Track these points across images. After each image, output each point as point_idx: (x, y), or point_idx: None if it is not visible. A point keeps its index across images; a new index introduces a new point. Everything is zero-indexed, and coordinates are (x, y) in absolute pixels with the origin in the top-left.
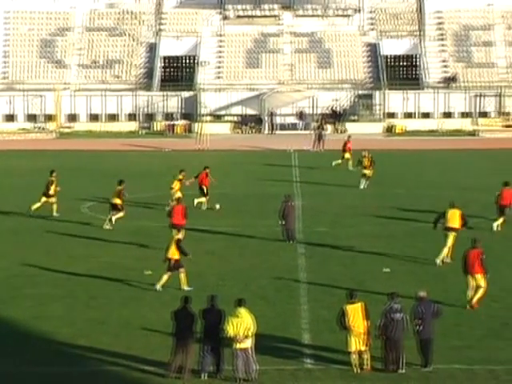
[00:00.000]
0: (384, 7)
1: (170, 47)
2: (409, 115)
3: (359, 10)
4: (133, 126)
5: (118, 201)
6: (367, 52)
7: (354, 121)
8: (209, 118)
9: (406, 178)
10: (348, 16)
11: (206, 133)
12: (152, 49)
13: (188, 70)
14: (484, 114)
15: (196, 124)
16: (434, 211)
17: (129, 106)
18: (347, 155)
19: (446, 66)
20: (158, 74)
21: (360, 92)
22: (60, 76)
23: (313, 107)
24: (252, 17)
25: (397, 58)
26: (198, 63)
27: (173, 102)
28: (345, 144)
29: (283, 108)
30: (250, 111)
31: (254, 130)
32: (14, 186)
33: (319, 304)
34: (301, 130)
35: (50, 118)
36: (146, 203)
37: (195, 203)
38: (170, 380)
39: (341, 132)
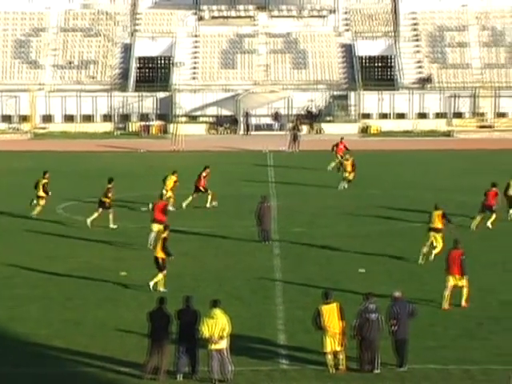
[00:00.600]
0: (359, 8)
1: (145, 48)
2: (384, 116)
3: (334, 11)
4: (108, 126)
5: (106, 199)
6: (342, 53)
7: (329, 121)
8: (184, 119)
9: (382, 179)
10: (323, 17)
11: (181, 133)
12: (127, 49)
13: (163, 70)
14: (459, 115)
15: (171, 125)
16: (410, 212)
17: (104, 106)
18: (338, 157)
19: (420, 67)
20: (133, 74)
21: (335, 93)
22: (35, 77)
23: (288, 108)
24: (227, 17)
25: (372, 58)
26: (173, 64)
27: (148, 102)
28: (337, 145)
29: (258, 109)
30: (226, 112)
31: (229, 131)
32: None
33: (294, 304)
34: (276, 130)
35: (24, 118)
36: (122, 204)
37: (208, 204)
38: (146, 381)
39: (317, 132)
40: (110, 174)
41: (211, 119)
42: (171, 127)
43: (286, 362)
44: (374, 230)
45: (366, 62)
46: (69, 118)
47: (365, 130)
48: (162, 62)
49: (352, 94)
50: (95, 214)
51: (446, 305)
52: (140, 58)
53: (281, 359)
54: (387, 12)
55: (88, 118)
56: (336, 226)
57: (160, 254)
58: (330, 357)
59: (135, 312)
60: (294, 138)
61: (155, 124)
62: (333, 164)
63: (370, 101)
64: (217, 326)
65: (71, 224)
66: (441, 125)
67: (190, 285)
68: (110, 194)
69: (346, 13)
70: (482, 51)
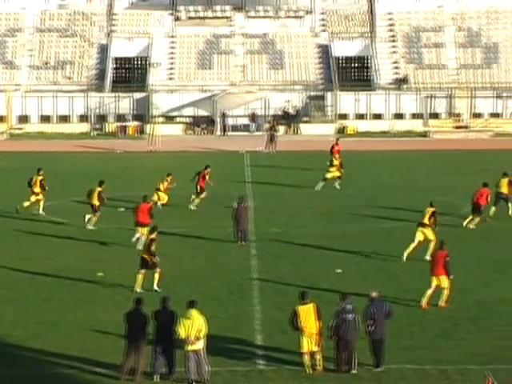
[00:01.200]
0: (335, 9)
1: (122, 48)
2: (360, 116)
3: (311, 12)
4: (84, 127)
5: (96, 201)
6: (319, 53)
7: (305, 122)
8: (161, 120)
9: (358, 179)
10: (300, 17)
11: (157, 134)
12: (103, 50)
13: (140, 71)
14: (435, 115)
15: (148, 125)
16: (387, 212)
17: (80, 107)
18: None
19: (397, 68)
20: (109, 75)
21: (312, 93)
22: (11, 77)
23: (265, 108)
24: (204, 18)
25: (348, 59)
26: (149, 64)
27: (124, 103)
28: (332, 147)
29: (235, 109)
30: (202, 112)
31: (206, 132)
32: None
33: (271, 305)
34: (252, 132)
35: (0, 119)
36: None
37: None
38: (123, 382)
39: (294, 133)
40: (87, 174)
41: (188, 120)
42: (148, 128)
43: (262, 363)
44: (351, 231)
45: (342, 63)
46: (45, 119)
47: (341, 131)
48: (139, 62)
49: (329, 95)
50: (93, 218)
51: (424, 303)
52: (116, 59)
53: (258, 359)
54: (363, 13)
55: (64, 119)
56: (313, 227)
57: (147, 255)
58: (306, 357)
59: (112, 313)
60: (271, 139)
61: (132, 124)
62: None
63: (346, 101)
64: (193, 327)
65: (45, 225)
66: (417, 125)
67: (167, 285)
68: (98, 197)
69: (322, 13)
70: (457, 52)
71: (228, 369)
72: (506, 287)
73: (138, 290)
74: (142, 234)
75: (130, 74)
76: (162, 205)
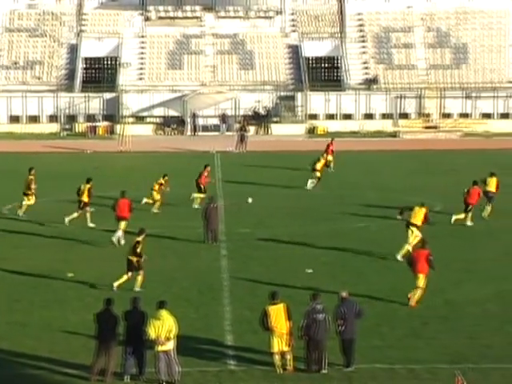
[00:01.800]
0: (305, 9)
1: (92, 48)
2: (330, 116)
3: (281, 12)
4: (54, 127)
5: (85, 198)
6: (289, 54)
7: (276, 122)
8: (131, 120)
9: (328, 179)
10: (270, 18)
11: (128, 134)
12: (73, 50)
13: (110, 71)
14: (405, 116)
15: (118, 125)
16: (356, 212)
17: (50, 107)
18: (329, 157)
19: (366, 68)
20: (79, 75)
21: (282, 93)
22: None
23: (235, 109)
24: (174, 18)
25: (318, 59)
26: (119, 64)
27: (94, 103)
28: (327, 146)
29: (206, 109)
30: (173, 113)
31: (176, 132)
32: None
33: (242, 305)
34: (222, 133)
35: None
36: (69, 205)
37: (192, 197)
38: (93, 383)
39: (264, 133)
40: (57, 175)
41: (158, 120)
42: (118, 128)
43: (233, 363)
44: (321, 231)
45: (312, 63)
46: (14, 119)
47: (312, 131)
48: (109, 62)
49: (299, 95)
50: (88, 216)
51: (411, 304)
52: (86, 59)
53: (228, 360)
54: (333, 13)
55: (34, 119)
56: (283, 227)
57: (133, 257)
58: (277, 357)
59: (82, 313)
60: (241, 139)
61: (102, 125)
62: (332, 165)
63: (316, 101)
64: (163, 328)
65: (17, 225)
66: (387, 125)
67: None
68: (88, 194)
69: (292, 14)
70: (427, 52)
71: (198, 369)
72: (476, 287)
73: (114, 287)
74: (120, 228)
75: (100, 74)
76: (152, 203)
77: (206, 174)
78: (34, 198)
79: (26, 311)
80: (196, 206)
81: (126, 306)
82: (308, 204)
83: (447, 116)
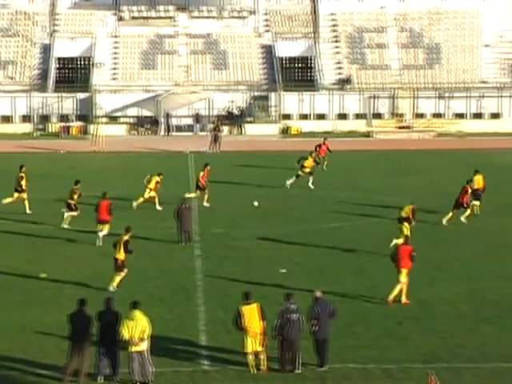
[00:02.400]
0: (279, 9)
1: (65, 48)
2: (304, 116)
3: (254, 12)
4: (27, 127)
5: (71, 200)
6: (262, 54)
7: (249, 122)
8: (104, 120)
9: (302, 179)
10: (243, 18)
11: (101, 134)
12: (46, 50)
13: (83, 71)
14: (378, 116)
15: (92, 125)
16: (330, 212)
17: (23, 107)
18: (321, 156)
19: (340, 68)
20: (52, 75)
21: (256, 93)
22: None
23: (209, 109)
24: (147, 18)
25: (292, 59)
26: (93, 64)
27: (68, 103)
28: (319, 146)
29: (179, 109)
30: (146, 113)
31: (150, 132)
32: None
33: (216, 305)
34: (196, 133)
35: None
36: (42, 205)
37: (205, 203)
38: None
39: (238, 133)
40: (30, 175)
41: (132, 120)
42: (91, 128)
43: (207, 363)
44: (295, 231)
45: (286, 63)
46: None
47: (285, 131)
48: (82, 62)
49: (272, 95)
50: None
51: (388, 300)
52: (59, 59)
53: (202, 360)
54: (307, 13)
55: (7, 119)
56: (257, 227)
57: (121, 256)
58: (251, 357)
59: (55, 314)
60: (215, 139)
61: (75, 125)
62: (325, 163)
63: (290, 102)
64: (137, 328)
65: None
66: (360, 125)
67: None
68: (74, 196)
69: (266, 14)
70: (400, 52)
71: (172, 369)
72: (449, 287)
73: (112, 288)
74: (100, 229)
75: (74, 74)
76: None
77: (206, 173)
78: (25, 194)
79: None
80: (206, 204)
81: (99, 307)
82: (282, 204)
83: (420, 116)
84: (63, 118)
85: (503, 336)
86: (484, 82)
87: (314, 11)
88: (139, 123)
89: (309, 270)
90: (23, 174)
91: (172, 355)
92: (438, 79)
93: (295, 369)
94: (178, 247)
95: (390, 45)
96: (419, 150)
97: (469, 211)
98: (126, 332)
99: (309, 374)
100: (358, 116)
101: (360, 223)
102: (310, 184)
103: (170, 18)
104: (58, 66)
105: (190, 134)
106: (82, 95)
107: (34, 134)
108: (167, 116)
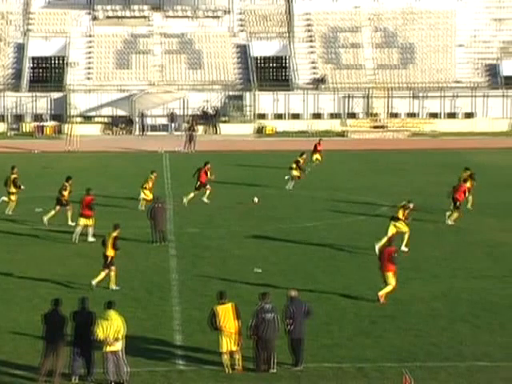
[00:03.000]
0: (253, 9)
1: (39, 48)
2: (279, 116)
3: (229, 12)
4: (1, 127)
5: (62, 196)
6: (237, 53)
7: (224, 122)
8: (79, 119)
9: (277, 178)
10: (218, 17)
11: (75, 134)
12: (20, 49)
13: (57, 70)
14: (352, 115)
15: (66, 125)
16: (304, 211)
17: None
18: (317, 156)
19: (314, 68)
20: (26, 74)
21: (230, 93)
22: None
23: (183, 108)
24: (122, 17)
25: (266, 59)
26: (67, 64)
27: (42, 103)
28: (315, 146)
29: (154, 109)
30: (121, 112)
31: (124, 132)
32: None
33: (191, 305)
34: (170, 133)
35: None
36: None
37: (205, 199)
38: None
39: (213, 133)
40: (3, 175)
41: (106, 120)
42: (66, 128)
43: (182, 363)
44: (270, 230)
45: (260, 63)
46: None
47: (260, 131)
48: (56, 62)
49: (247, 95)
50: (52, 212)
51: (378, 296)
52: (33, 58)
53: (177, 360)
54: (281, 13)
55: None
56: (232, 226)
57: (110, 253)
58: (226, 357)
59: (29, 314)
60: (190, 139)
61: (49, 124)
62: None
63: (265, 101)
64: (111, 328)
65: None
66: (335, 125)
67: (86, 286)
68: (65, 192)
69: (240, 13)
70: (374, 52)
71: (147, 369)
72: (423, 286)
73: (114, 287)
74: (79, 224)
75: (48, 74)
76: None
77: (206, 171)
78: (15, 196)
79: None
80: (206, 200)
81: (73, 307)
82: (257, 203)
83: (395, 116)
84: (37, 117)
85: (478, 335)
86: (458, 82)
87: (289, 11)
88: (114, 123)
89: (284, 270)
90: (16, 175)
91: (147, 355)
92: (412, 79)
93: (270, 368)
94: (152, 247)
95: (365, 44)
96: (393, 149)
97: (457, 214)
98: (100, 332)
99: (284, 374)
100: (332, 116)
101: (334, 223)
102: (289, 186)
103: (145, 17)
104: (31, 65)
105: (164, 133)
106: (56, 95)
107: (8, 134)
108: (142, 116)
